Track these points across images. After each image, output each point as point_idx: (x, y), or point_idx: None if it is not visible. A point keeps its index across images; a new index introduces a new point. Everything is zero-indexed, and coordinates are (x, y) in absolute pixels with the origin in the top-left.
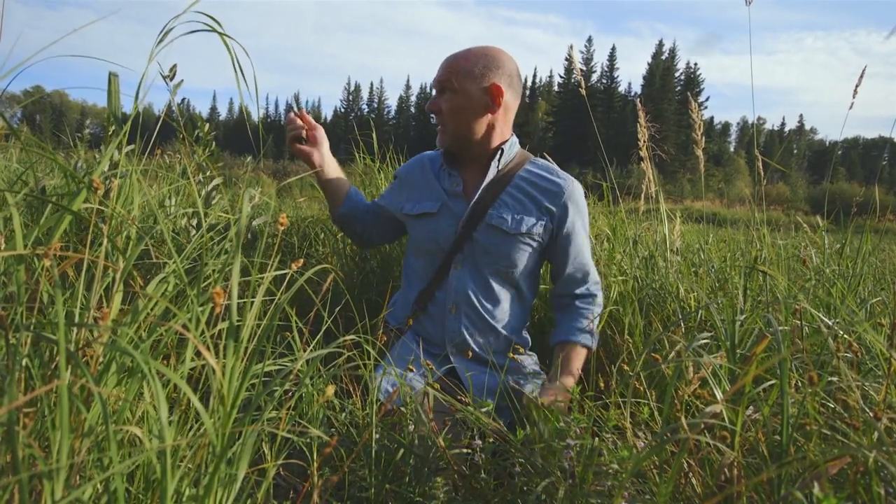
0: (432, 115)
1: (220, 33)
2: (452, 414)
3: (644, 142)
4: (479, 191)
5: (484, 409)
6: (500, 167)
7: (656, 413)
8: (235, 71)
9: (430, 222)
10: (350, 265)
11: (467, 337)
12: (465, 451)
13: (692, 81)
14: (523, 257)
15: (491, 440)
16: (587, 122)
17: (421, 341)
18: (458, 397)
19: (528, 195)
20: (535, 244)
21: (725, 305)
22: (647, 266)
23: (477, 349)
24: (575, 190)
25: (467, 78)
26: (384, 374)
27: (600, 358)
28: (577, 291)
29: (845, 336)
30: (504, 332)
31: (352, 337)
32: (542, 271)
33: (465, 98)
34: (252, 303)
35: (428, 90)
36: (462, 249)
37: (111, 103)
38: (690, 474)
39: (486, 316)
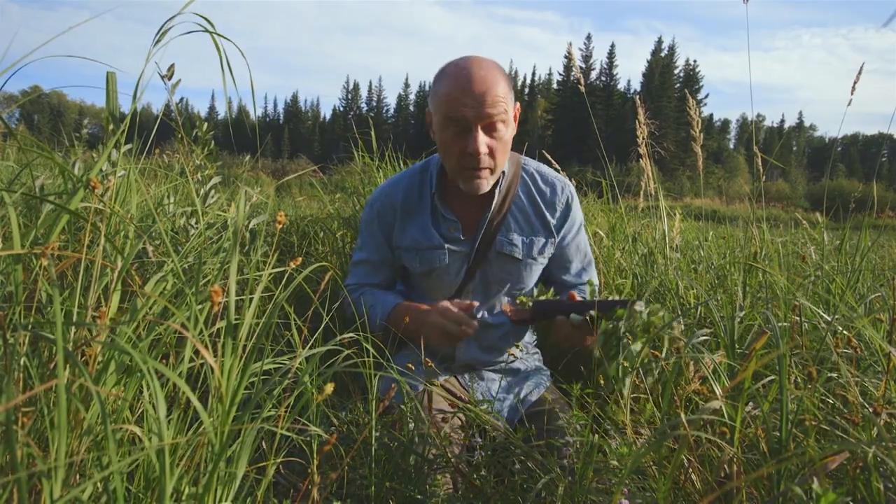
0: (477, 157)
1: (212, 33)
2: (454, 414)
3: (643, 139)
4: (484, 226)
5: (484, 407)
6: (501, 191)
7: (656, 410)
8: (223, 72)
9: (439, 273)
10: (349, 263)
11: (479, 357)
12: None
13: (691, 78)
14: (534, 276)
15: (492, 437)
16: (586, 119)
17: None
18: (459, 396)
19: (532, 211)
20: (544, 261)
21: (725, 302)
22: (647, 263)
23: (486, 365)
24: (571, 190)
25: (509, 103)
26: (385, 371)
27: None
28: (582, 280)
29: (844, 332)
30: (513, 343)
31: (350, 335)
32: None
33: (511, 128)
34: (250, 301)
35: (427, 89)
36: (474, 277)
37: (109, 103)
38: (690, 470)
39: (498, 337)
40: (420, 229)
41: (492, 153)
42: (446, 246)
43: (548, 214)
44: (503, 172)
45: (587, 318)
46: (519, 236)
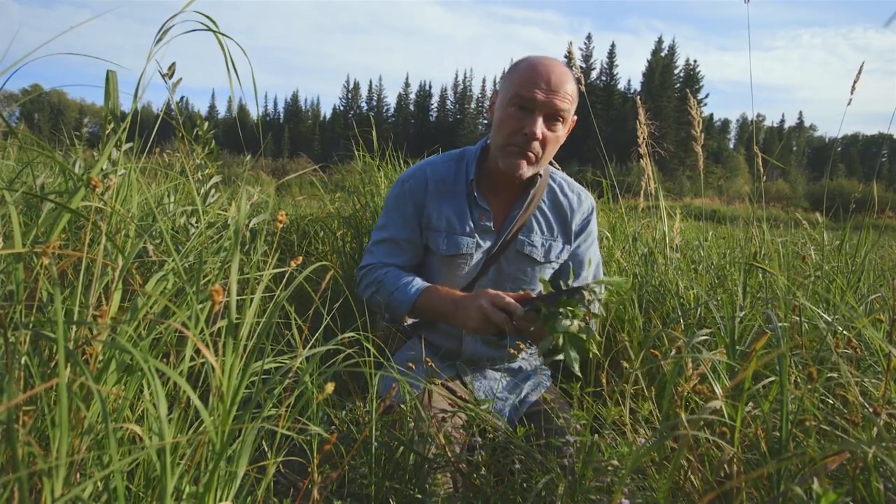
0: (530, 140)
1: (215, 32)
2: (454, 413)
3: (643, 139)
4: (513, 223)
5: (484, 406)
6: (532, 193)
7: (656, 409)
8: (228, 70)
9: (463, 260)
10: (349, 262)
11: (483, 355)
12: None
13: (691, 78)
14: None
15: (491, 436)
16: (587, 119)
17: (424, 344)
18: (461, 395)
19: (554, 216)
20: (557, 266)
21: (725, 302)
22: (647, 263)
23: (490, 363)
24: (593, 203)
25: (572, 110)
26: (385, 370)
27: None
28: None
29: (844, 332)
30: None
31: (350, 334)
32: None
33: (564, 133)
34: (251, 300)
35: (427, 88)
36: (487, 273)
37: (109, 101)
38: (690, 470)
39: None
40: (456, 213)
41: (543, 143)
42: (476, 235)
43: (570, 220)
44: (539, 175)
45: (533, 308)
46: (540, 238)
